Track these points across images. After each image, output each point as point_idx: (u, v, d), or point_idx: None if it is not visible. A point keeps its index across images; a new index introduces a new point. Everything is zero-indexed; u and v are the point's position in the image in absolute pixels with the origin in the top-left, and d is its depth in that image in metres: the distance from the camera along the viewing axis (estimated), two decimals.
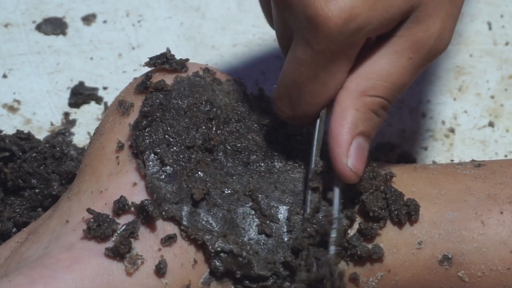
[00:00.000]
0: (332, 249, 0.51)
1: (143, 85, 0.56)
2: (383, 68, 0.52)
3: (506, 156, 0.68)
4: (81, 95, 0.70)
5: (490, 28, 0.74)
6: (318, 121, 0.54)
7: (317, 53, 0.50)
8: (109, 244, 0.50)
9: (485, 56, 0.73)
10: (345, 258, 0.53)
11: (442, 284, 0.53)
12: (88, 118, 0.70)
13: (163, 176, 0.53)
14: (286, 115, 0.54)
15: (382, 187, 0.54)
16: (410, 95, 0.71)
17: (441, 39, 0.52)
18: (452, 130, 0.69)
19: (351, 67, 0.52)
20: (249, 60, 0.73)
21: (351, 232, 0.53)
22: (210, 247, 0.51)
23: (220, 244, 0.51)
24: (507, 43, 0.73)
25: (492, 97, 0.71)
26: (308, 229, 0.51)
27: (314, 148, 0.53)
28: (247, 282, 0.52)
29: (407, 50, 0.52)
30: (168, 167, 0.53)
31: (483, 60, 0.72)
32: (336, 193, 0.52)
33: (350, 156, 0.51)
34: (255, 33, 0.74)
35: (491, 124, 0.69)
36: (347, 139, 0.51)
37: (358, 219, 0.54)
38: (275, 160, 0.55)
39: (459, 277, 0.53)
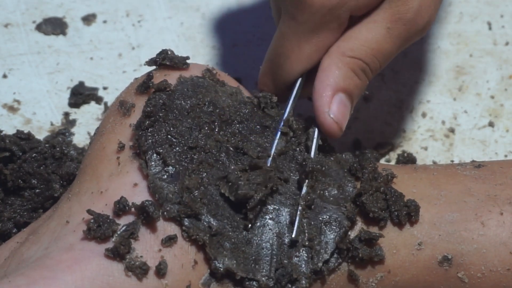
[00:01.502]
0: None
1: (144, 86, 0.56)
2: (362, 34, 0.57)
3: (506, 156, 0.68)
4: (81, 95, 0.70)
5: (490, 28, 0.74)
6: (297, 81, 0.59)
7: (299, 24, 0.56)
8: (109, 244, 0.50)
9: (485, 56, 0.73)
10: (346, 259, 0.53)
11: (442, 285, 0.53)
12: (88, 118, 0.70)
13: (165, 176, 0.53)
14: (268, 88, 0.59)
15: (382, 188, 0.54)
16: (410, 95, 0.71)
17: (420, 15, 0.57)
18: (452, 130, 0.69)
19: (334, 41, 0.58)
20: (249, 60, 0.73)
21: (353, 234, 0.53)
22: (218, 263, 0.51)
23: (226, 262, 0.52)
24: (507, 43, 0.73)
25: (492, 97, 0.71)
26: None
27: (290, 101, 0.58)
28: (247, 283, 0.52)
29: (386, 20, 0.56)
30: (170, 167, 0.53)
31: (483, 60, 0.72)
32: (315, 135, 0.57)
33: (332, 107, 0.56)
34: (255, 33, 0.74)
35: (491, 124, 0.69)
36: (329, 93, 0.56)
37: (360, 222, 0.54)
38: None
39: (459, 278, 0.53)
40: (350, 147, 0.68)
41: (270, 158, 0.55)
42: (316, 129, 0.57)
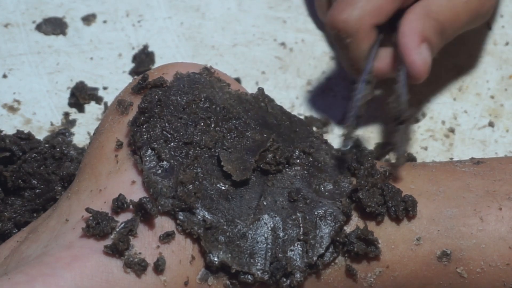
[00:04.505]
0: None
1: (138, 86, 0.56)
2: (442, 2, 0.61)
3: (506, 156, 0.68)
4: (81, 95, 0.70)
5: (490, 28, 0.74)
6: (375, 44, 0.62)
7: None
8: (108, 242, 0.51)
9: (485, 56, 0.73)
10: (343, 253, 0.53)
11: (441, 280, 0.53)
12: (88, 118, 0.70)
13: (160, 171, 0.53)
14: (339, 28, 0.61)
15: (379, 184, 0.54)
16: (410, 95, 0.71)
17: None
18: (452, 130, 0.69)
19: None
20: (249, 60, 0.73)
21: (348, 229, 0.53)
22: (213, 257, 0.51)
23: (221, 255, 0.52)
24: (507, 43, 0.73)
25: (492, 97, 0.71)
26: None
27: (374, 52, 0.62)
28: (242, 277, 0.52)
29: None
30: (165, 163, 0.53)
31: (483, 60, 0.72)
32: (403, 78, 0.61)
33: (421, 49, 0.60)
34: (255, 33, 0.74)
35: (491, 124, 0.69)
36: (419, 37, 0.60)
37: (356, 217, 0.54)
38: None
39: (458, 273, 0.53)
40: (350, 147, 0.68)
41: (352, 115, 0.58)
42: (405, 70, 0.60)
